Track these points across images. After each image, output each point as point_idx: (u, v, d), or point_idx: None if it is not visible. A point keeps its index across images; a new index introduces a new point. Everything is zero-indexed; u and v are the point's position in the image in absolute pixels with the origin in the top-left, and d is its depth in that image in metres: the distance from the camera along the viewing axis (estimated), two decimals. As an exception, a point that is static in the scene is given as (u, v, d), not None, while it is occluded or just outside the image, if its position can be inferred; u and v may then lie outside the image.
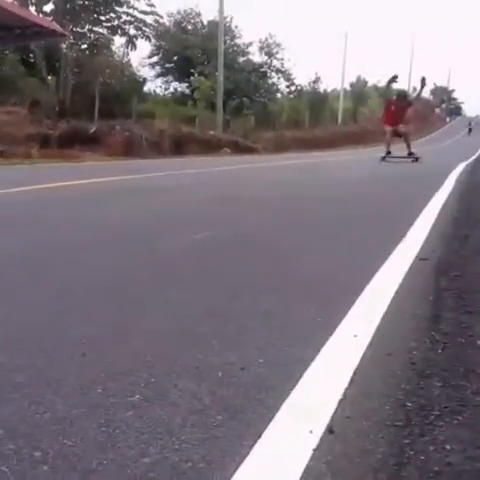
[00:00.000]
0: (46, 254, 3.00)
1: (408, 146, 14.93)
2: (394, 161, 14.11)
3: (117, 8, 27.63)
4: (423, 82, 15.07)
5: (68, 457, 1.10)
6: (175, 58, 37.56)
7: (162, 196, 6.16)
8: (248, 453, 1.12)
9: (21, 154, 13.74)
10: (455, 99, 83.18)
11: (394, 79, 15.06)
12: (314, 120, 36.85)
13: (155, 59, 38.17)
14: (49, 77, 25.79)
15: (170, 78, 38.98)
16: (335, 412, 1.28)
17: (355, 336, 1.77)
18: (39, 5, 25.71)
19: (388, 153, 14.98)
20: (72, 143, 16.52)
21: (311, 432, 1.19)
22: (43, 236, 3.52)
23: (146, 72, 40.81)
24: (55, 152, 15.12)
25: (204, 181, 8.62)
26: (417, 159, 14.47)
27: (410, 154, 14.82)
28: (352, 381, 1.44)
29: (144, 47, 39.35)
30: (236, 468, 1.07)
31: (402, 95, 15.60)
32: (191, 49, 36.09)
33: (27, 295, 2.22)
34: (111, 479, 1.04)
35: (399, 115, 14.72)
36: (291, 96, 42.27)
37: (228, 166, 12.41)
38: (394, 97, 15.14)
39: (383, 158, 14.74)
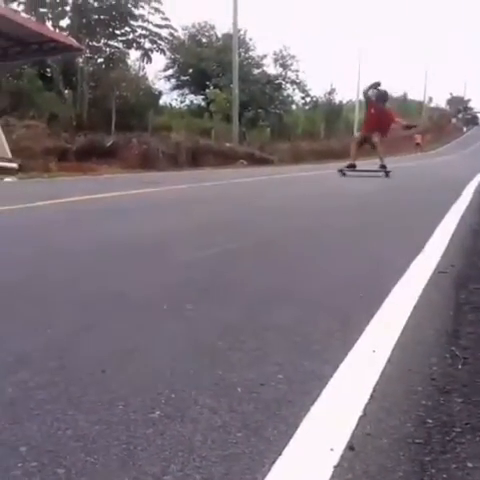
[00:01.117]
0: (65, 269, 3.03)
1: (381, 158, 12.69)
2: (358, 175, 12.18)
3: (132, 22, 27.96)
4: (374, 86, 13.00)
5: (91, 474, 1.11)
6: (190, 71, 37.84)
7: (186, 208, 6.19)
8: (269, 470, 1.12)
9: (40, 168, 13.87)
10: (471, 109, 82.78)
11: (376, 86, 13.07)
12: (329, 131, 36.86)
13: (170, 72, 38.50)
14: (66, 91, 26.09)
15: (186, 91, 39.27)
16: (355, 429, 1.28)
17: (374, 351, 1.77)
18: (55, 20, 26.10)
19: (351, 166, 12.85)
20: (89, 156, 16.67)
21: (332, 449, 1.19)
22: (62, 250, 3.55)
23: (162, 85, 41.19)
24: (73, 165, 15.26)
25: (225, 193, 8.64)
26: (388, 173, 12.17)
27: (381, 167, 12.51)
28: (372, 397, 1.44)
29: (159, 60, 39.67)
30: (257, 486, 1.08)
31: (381, 95, 13.06)
32: (206, 62, 36.33)
33: (46, 311, 2.23)
34: (133, 497, 1.05)
35: (377, 119, 12.47)
36: (306, 107, 42.37)
37: (246, 178, 12.44)
38: (374, 98, 12.88)
39: (341, 171, 12.65)
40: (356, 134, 14.05)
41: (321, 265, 3.22)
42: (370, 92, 13.08)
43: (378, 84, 13.15)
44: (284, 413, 1.37)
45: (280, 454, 1.18)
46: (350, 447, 1.21)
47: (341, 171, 12.68)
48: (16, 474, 1.11)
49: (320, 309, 2.30)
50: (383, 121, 12.50)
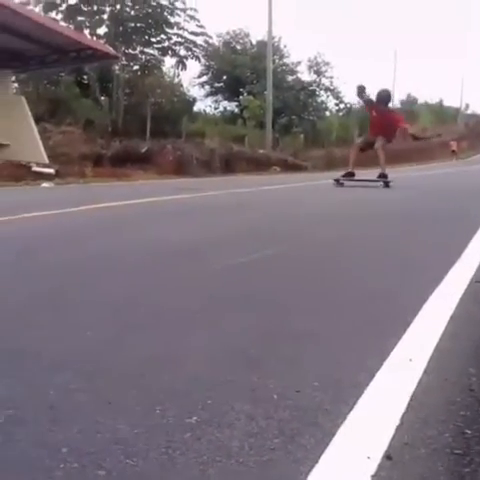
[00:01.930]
0: (102, 273, 3.07)
1: (381, 167, 11.34)
2: (355, 185, 11.18)
3: (168, 30, 28.22)
4: (359, 90, 11.75)
5: (131, 477, 1.13)
6: (224, 78, 38.06)
7: (221, 214, 6.22)
8: (306, 477, 1.13)
9: (75, 173, 14.09)
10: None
11: (361, 91, 11.72)
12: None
13: (205, 79, 38.78)
14: (102, 98, 26.45)
15: (219, 97, 39.51)
16: (393, 438, 1.28)
17: (410, 360, 1.76)
18: (93, 28, 26.50)
19: (348, 174, 11.57)
20: (124, 162, 16.88)
21: (369, 458, 1.19)
22: (102, 255, 3.60)
23: (196, 92, 41.49)
24: (108, 171, 15.46)
25: (260, 199, 8.66)
26: (387, 184, 10.96)
27: (380, 176, 11.25)
28: (409, 406, 1.43)
29: (194, 67, 39.99)
30: (294, 493, 1.08)
31: (381, 96, 11.72)
32: (240, 68, 36.50)
33: (86, 315, 2.27)
34: (172, 500, 1.07)
35: (381, 123, 11.25)
36: (340, 114, 42.21)
37: (279, 185, 12.46)
38: (374, 99, 11.75)
39: (337, 181, 11.49)
40: (357, 140, 12.67)
41: (357, 272, 3.21)
42: (366, 95, 12.00)
43: (363, 88, 11.85)
44: (320, 420, 1.37)
45: (317, 462, 1.19)
46: (387, 456, 1.20)
47: (337, 181, 11.47)
48: (58, 475, 1.13)
49: (355, 316, 2.29)
50: (387, 125, 11.25)
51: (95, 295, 2.60)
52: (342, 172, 11.38)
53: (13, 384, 1.54)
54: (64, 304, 2.44)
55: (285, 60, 39.00)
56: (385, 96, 11.83)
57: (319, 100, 40.27)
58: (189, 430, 1.32)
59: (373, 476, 1.13)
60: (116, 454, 1.21)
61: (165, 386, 1.55)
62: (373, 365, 1.70)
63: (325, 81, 40.17)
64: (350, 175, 11.56)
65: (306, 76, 39.80)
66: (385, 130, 11.25)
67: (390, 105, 12.63)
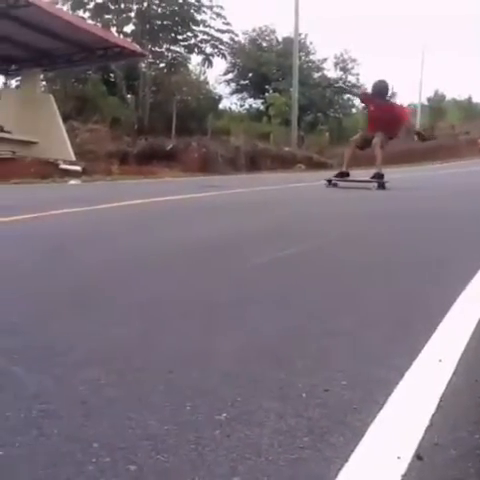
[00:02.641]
0: (132, 270, 3.10)
1: (377, 165, 10.19)
2: (349, 186, 10.24)
3: (194, 27, 28.30)
4: (340, 89, 11.41)
5: (162, 472, 1.14)
6: (250, 75, 38.03)
7: (251, 212, 6.24)
8: (336, 476, 1.13)
9: (102, 170, 14.22)
10: None
11: (342, 90, 11.53)
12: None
13: (230, 76, 38.77)
14: (129, 96, 26.61)
15: (245, 95, 39.48)
16: (422, 439, 1.27)
17: (440, 361, 1.75)
18: (120, 26, 26.68)
19: (342, 175, 10.55)
20: (150, 160, 16.99)
21: (399, 458, 1.19)
22: (132, 252, 3.63)
23: (222, 89, 41.54)
24: (134, 168, 15.58)
25: (286, 197, 8.65)
26: (383, 185, 9.79)
27: (375, 176, 10.04)
28: (439, 407, 1.43)
29: (220, 64, 39.97)
30: (325, 491, 1.08)
31: (377, 88, 10.61)
32: (266, 66, 36.43)
33: (116, 311, 2.30)
34: (203, 496, 1.07)
35: (379, 117, 10.19)
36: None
37: (304, 182, 12.43)
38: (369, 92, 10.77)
39: (330, 181, 10.49)
40: (354, 136, 11.06)
41: (385, 271, 3.19)
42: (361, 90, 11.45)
43: (344, 88, 11.10)
44: (349, 420, 1.37)
45: (347, 460, 1.19)
46: (418, 456, 1.20)
47: (329, 181, 10.49)
48: (90, 469, 1.14)
49: (383, 316, 2.28)
50: (388, 119, 10.07)
51: (125, 291, 2.62)
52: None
53: (44, 380, 1.56)
54: (94, 301, 2.47)
55: (311, 57, 38.86)
56: (382, 88, 10.64)
57: (345, 97, 40.07)
58: (218, 427, 1.33)
59: (403, 476, 1.13)
60: (147, 450, 1.22)
61: (194, 383, 1.57)
62: (402, 365, 1.69)
63: (351, 78, 39.96)
64: (343, 175, 10.53)
65: (332, 73, 39.66)
66: (386, 125, 10.12)
67: (396, 101, 11.91)
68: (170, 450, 1.22)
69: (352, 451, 1.22)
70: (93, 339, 1.94)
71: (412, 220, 5.70)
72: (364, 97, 11.27)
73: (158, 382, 1.56)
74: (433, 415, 1.39)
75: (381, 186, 9.79)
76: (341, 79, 39.66)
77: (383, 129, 10.10)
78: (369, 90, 11.22)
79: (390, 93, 10.92)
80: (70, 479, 1.11)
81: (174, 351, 1.82)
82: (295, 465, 1.18)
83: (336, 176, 10.57)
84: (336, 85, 11.26)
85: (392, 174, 11.95)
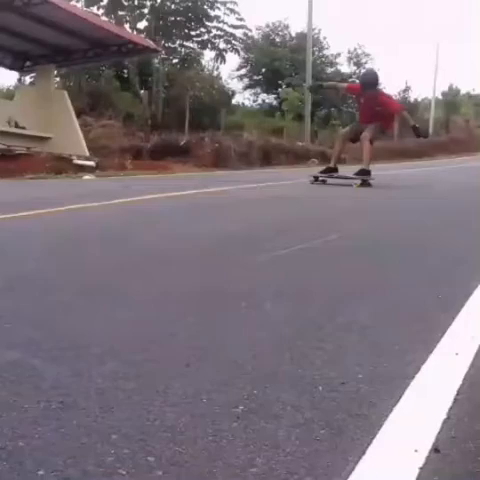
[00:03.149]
0: (151, 265, 3.11)
1: (365, 161, 9.48)
2: (335, 183, 9.41)
3: (207, 23, 28.22)
4: (311, 90, 10.10)
5: (180, 464, 1.15)
6: (263, 70, 37.89)
7: (262, 206, 6.24)
8: (353, 469, 1.13)
9: (115, 166, 14.23)
10: None
11: (315, 89, 10.27)
12: (404, 130, 36.15)
13: (243, 71, 38.65)
14: (142, 91, 26.63)
15: (258, 90, 39.34)
16: (440, 432, 1.27)
17: (457, 354, 1.74)
18: (133, 23, 26.66)
19: (329, 170, 9.73)
20: (163, 155, 16.97)
21: (416, 451, 1.19)
22: (151, 246, 3.64)
23: (235, 84, 41.45)
24: (147, 164, 15.58)
25: (301, 192, 8.63)
26: (366, 182, 9.09)
27: (360, 173, 9.30)
28: (456, 401, 1.42)
29: (233, 60, 39.94)
30: (342, 483, 1.09)
31: (366, 78, 9.99)
32: (279, 61, 36.28)
33: (133, 305, 2.31)
34: (221, 487, 1.08)
35: (371, 109, 9.34)
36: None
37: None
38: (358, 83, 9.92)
39: (316, 178, 9.66)
40: (343, 129, 10.49)
41: (403, 265, 3.18)
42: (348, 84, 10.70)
43: (318, 86, 10.51)
44: (366, 412, 1.37)
45: (364, 453, 1.19)
46: (435, 449, 1.20)
47: (316, 178, 9.65)
48: (109, 460, 1.16)
49: (399, 309, 2.28)
50: (379, 110, 9.29)
51: (143, 286, 2.63)
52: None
53: (63, 372, 1.58)
54: (111, 294, 2.48)
55: (325, 52, 38.67)
56: (371, 78, 9.95)
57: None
58: (235, 419, 1.33)
59: (421, 469, 1.13)
60: (165, 441, 1.23)
61: (210, 376, 1.57)
62: (419, 358, 1.69)
63: (365, 73, 39.75)
64: (331, 171, 9.68)
65: (346, 68, 39.45)
66: (378, 116, 9.34)
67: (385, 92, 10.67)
68: (188, 442, 1.23)
69: (369, 444, 1.23)
70: (110, 332, 1.96)
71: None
72: (352, 90, 10.65)
73: (175, 375, 1.57)
74: (450, 408, 1.39)
75: (364, 182, 9.05)
76: (355, 74, 39.50)
77: (375, 120, 9.37)
78: (358, 83, 10.72)
79: (379, 83, 9.90)
80: (90, 470, 1.12)
81: (190, 344, 1.83)
82: (312, 457, 1.18)
83: (323, 172, 9.79)
84: (311, 84, 10.47)
85: (399, 170, 11.86)
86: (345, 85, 11.75)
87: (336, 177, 9.53)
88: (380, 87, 9.84)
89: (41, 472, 1.11)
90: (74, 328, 2.00)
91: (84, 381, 1.53)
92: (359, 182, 9.08)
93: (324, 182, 9.57)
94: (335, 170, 9.71)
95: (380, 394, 1.47)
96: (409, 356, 1.73)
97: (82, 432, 1.26)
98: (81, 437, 1.24)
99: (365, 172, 9.28)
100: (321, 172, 9.77)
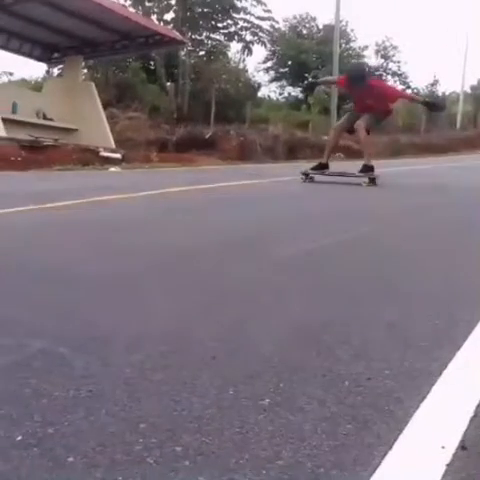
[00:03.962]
0: (176, 258, 3.13)
1: (365, 155, 8.80)
2: (330, 181, 8.50)
3: (234, 15, 28.18)
4: (308, 88, 9.14)
5: (207, 454, 1.16)
6: (289, 63, 37.72)
7: (299, 200, 6.23)
8: (379, 464, 1.14)
9: (141, 158, 14.31)
10: None
11: (311, 86, 9.43)
12: (431, 124, 35.77)
13: (269, 64, 38.52)
14: (168, 83, 26.70)
15: (284, 83, 39.19)
16: (467, 429, 1.27)
17: (484, 352, 1.73)
18: (160, 14, 26.71)
19: (320, 167, 8.74)
20: (189, 147, 17.02)
21: (443, 447, 1.19)
22: (178, 239, 3.66)
23: (260, 77, 41.34)
24: (172, 156, 15.64)
25: (326, 187, 8.60)
26: (373, 180, 8.22)
27: (363, 169, 8.45)
28: (483, 398, 1.42)
29: (259, 52, 39.76)
30: (369, 478, 1.09)
31: (351, 74, 8.89)
32: (306, 53, 36.09)
33: (159, 297, 2.33)
34: (248, 478, 1.09)
35: (366, 98, 8.39)
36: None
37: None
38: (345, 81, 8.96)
39: (306, 175, 8.61)
40: (338, 122, 9.31)
41: (429, 261, 3.16)
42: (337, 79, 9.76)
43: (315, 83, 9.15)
44: (393, 408, 1.37)
45: (390, 448, 1.19)
46: (462, 446, 1.19)
47: (306, 175, 8.63)
48: (137, 449, 1.17)
49: (426, 305, 2.27)
50: (375, 97, 8.40)
51: (169, 279, 2.65)
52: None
53: (91, 362, 1.60)
54: (139, 287, 2.50)
55: (352, 44, 38.41)
56: (355, 73, 8.92)
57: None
58: (262, 412, 1.34)
59: (448, 465, 1.13)
60: (192, 432, 1.24)
61: (237, 368, 1.58)
62: (446, 355, 1.69)
63: (392, 66, 39.40)
64: (323, 167, 8.74)
65: (373, 60, 39.16)
66: (374, 103, 8.42)
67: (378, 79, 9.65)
68: (215, 433, 1.24)
69: (395, 439, 1.23)
70: (137, 323, 1.98)
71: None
72: (339, 84, 9.88)
73: (201, 367, 1.59)
74: (477, 406, 1.38)
75: (371, 181, 8.22)
76: (382, 67, 39.18)
77: (371, 108, 8.46)
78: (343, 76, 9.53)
79: (368, 73, 8.86)
80: (118, 458, 1.14)
81: (216, 336, 1.84)
82: (339, 451, 1.18)
83: (314, 169, 8.74)
84: (307, 82, 9.85)
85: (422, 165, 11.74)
86: (336, 78, 10.98)
87: (333, 174, 8.67)
88: (373, 77, 8.89)
89: (71, 459, 1.13)
90: (101, 318, 2.03)
91: (112, 371, 1.55)
92: (367, 180, 8.22)
93: (312, 179, 8.62)
94: (326, 166, 8.75)
95: (406, 390, 1.47)
96: (435, 352, 1.72)
97: (110, 421, 1.28)
98: (110, 425, 1.26)
99: (368, 168, 8.44)
100: (312, 169, 8.73)
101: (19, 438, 1.20)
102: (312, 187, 8.24)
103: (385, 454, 1.17)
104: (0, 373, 1.51)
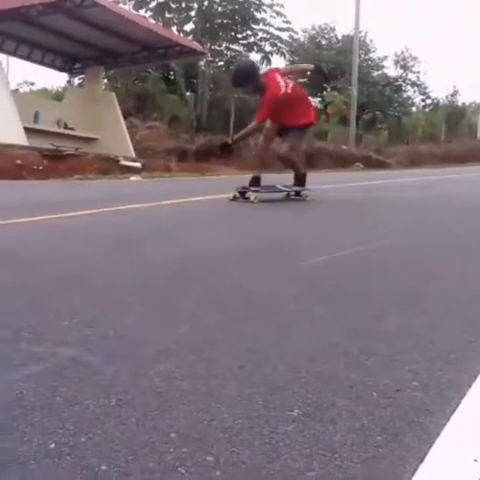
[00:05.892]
0: (198, 268, 3.14)
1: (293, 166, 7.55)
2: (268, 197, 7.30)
3: (254, 26, 28.31)
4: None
5: (238, 464, 1.16)
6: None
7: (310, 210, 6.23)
8: (412, 476, 1.13)
9: (161, 167, 14.41)
10: None
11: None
12: (451, 134, 35.61)
13: (289, 74, 38.63)
14: (188, 93, 26.88)
15: (303, 93, 39.28)
16: (499, 442, 1.26)
17: (514, 364, 1.72)
18: (180, 25, 26.94)
19: (254, 180, 7.15)
20: (208, 157, 17.09)
21: (476, 460, 1.18)
22: (201, 248, 3.68)
23: (279, 87, 41.38)
24: (191, 165, 15.74)
25: (347, 196, 8.59)
26: (299, 194, 7.42)
27: (296, 181, 7.44)
28: (514, 411, 1.41)
29: (278, 62, 39.90)
30: (401, 490, 1.09)
31: (235, 79, 7.63)
32: (325, 64, 36.15)
33: (186, 307, 2.34)
34: (280, 489, 1.09)
35: (270, 106, 7.34)
36: (426, 110, 41.20)
37: (363, 181, 12.31)
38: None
39: (241, 194, 7.14)
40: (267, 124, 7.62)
41: (456, 270, 3.14)
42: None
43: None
44: (422, 420, 1.36)
45: (422, 461, 1.18)
46: (495, 460, 1.19)
47: (241, 193, 7.14)
48: (169, 458, 1.18)
49: (453, 316, 2.25)
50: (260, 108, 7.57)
51: (196, 287, 2.66)
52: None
53: (120, 370, 1.61)
54: (165, 295, 2.52)
55: (371, 55, 38.43)
56: (236, 78, 7.64)
57: (405, 96, 39.44)
58: (291, 423, 1.34)
59: (481, 479, 1.12)
60: (222, 442, 1.25)
61: (265, 379, 1.58)
62: (474, 367, 1.67)
63: (412, 76, 39.34)
64: (254, 182, 7.18)
65: (392, 71, 39.14)
66: (285, 108, 7.28)
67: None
68: (245, 443, 1.24)
69: (427, 452, 1.22)
70: (164, 332, 1.99)
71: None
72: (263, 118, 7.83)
73: (229, 376, 1.59)
74: (509, 419, 1.37)
75: (297, 194, 7.45)
76: (401, 77, 39.11)
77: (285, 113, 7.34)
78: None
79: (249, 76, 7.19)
80: (150, 467, 1.14)
81: (243, 346, 1.84)
82: (370, 463, 1.18)
83: (252, 184, 7.18)
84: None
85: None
86: (254, 123, 8.56)
87: (269, 189, 7.52)
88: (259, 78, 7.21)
89: (103, 467, 1.14)
90: (130, 327, 2.04)
91: (141, 380, 1.55)
92: (294, 192, 7.46)
93: (236, 199, 7.13)
94: (257, 180, 7.21)
95: (436, 402, 1.46)
96: (464, 365, 1.71)
97: (141, 430, 1.29)
98: (141, 434, 1.27)
99: (301, 176, 7.48)
100: (250, 184, 7.17)
101: (52, 446, 1.21)
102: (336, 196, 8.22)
103: (417, 467, 1.16)
104: (32, 381, 1.52)
